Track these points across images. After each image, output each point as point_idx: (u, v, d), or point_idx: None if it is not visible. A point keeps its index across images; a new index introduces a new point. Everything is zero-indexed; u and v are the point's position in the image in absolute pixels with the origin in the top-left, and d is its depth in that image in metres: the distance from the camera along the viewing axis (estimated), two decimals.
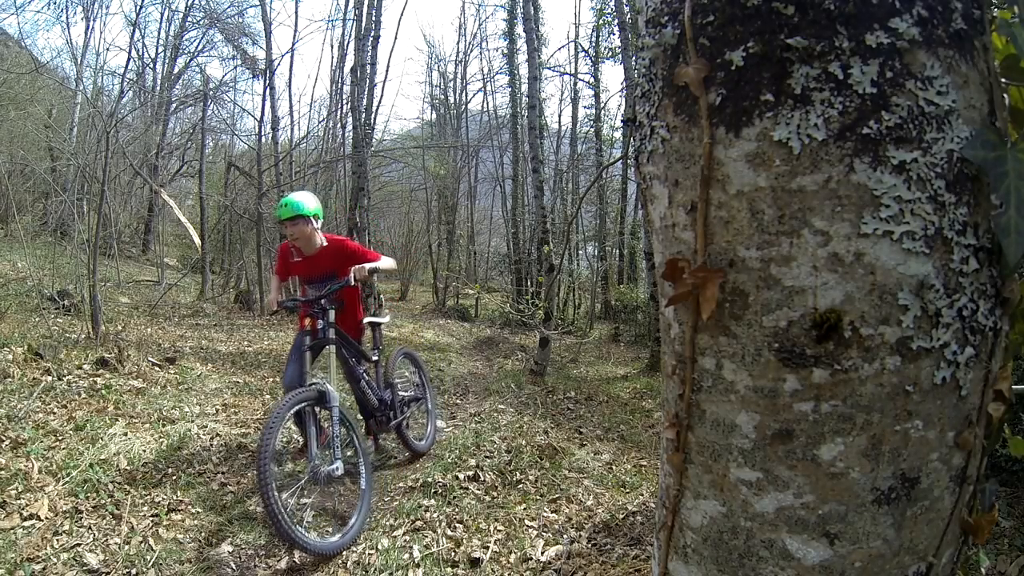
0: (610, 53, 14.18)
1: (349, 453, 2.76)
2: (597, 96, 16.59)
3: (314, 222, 3.16)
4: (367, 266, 3.01)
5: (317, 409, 2.68)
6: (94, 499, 2.57)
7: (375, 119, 9.67)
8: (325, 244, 3.25)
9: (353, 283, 2.92)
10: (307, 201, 3.14)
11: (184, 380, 4.63)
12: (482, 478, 3.16)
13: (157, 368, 4.75)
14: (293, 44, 22.58)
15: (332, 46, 23.37)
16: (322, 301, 2.92)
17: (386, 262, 3.27)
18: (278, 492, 2.21)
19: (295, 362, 3.01)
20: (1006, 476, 2.72)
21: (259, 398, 4.57)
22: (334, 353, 2.89)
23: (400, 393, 3.49)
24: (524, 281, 14.03)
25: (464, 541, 2.53)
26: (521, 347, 8.85)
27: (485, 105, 19.41)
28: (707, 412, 0.70)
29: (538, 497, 3.02)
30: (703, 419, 0.71)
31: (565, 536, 2.62)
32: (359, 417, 3.38)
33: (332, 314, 2.93)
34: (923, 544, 0.67)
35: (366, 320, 3.51)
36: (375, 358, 3.41)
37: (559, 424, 4.63)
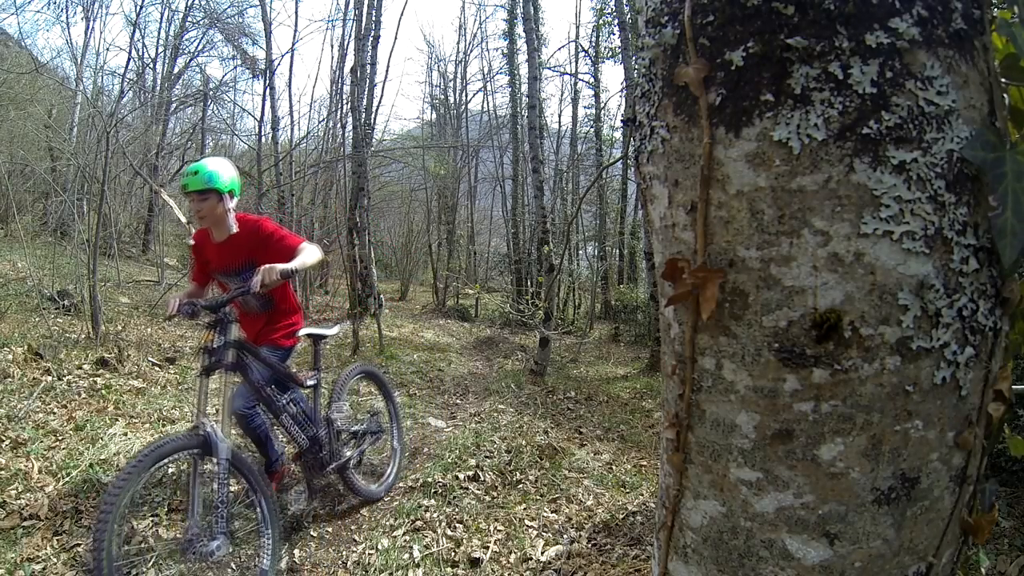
0: (610, 53, 14.19)
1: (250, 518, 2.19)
2: (597, 96, 16.59)
3: (228, 200, 2.48)
4: (278, 268, 2.14)
5: (201, 461, 2.02)
6: (94, 499, 2.57)
7: (375, 119, 9.67)
8: (236, 230, 2.55)
9: (257, 290, 2.10)
10: (222, 171, 2.46)
11: (184, 380, 4.63)
12: (482, 478, 3.16)
13: (157, 368, 4.75)
14: (293, 44, 22.58)
15: (332, 46, 23.39)
16: (224, 309, 2.18)
17: (308, 256, 2.39)
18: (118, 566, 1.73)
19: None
20: (1006, 476, 2.72)
21: None
22: (228, 382, 2.17)
23: (346, 426, 2.83)
24: (524, 281, 14.03)
25: (464, 541, 2.53)
26: (521, 347, 8.85)
27: (485, 105, 19.42)
28: (707, 412, 0.70)
29: (538, 497, 3.02)
30: (703, 419, 0.71)
31: (565, 536, 2.62)
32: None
33: (234, 329, 2.21)
34: (923, 544, 0.67)
35: (304, 331, 2.75)
36: (312, 382, 2.68)
37: (559, 424, 4.63)
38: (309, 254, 2.40)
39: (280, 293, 2.72)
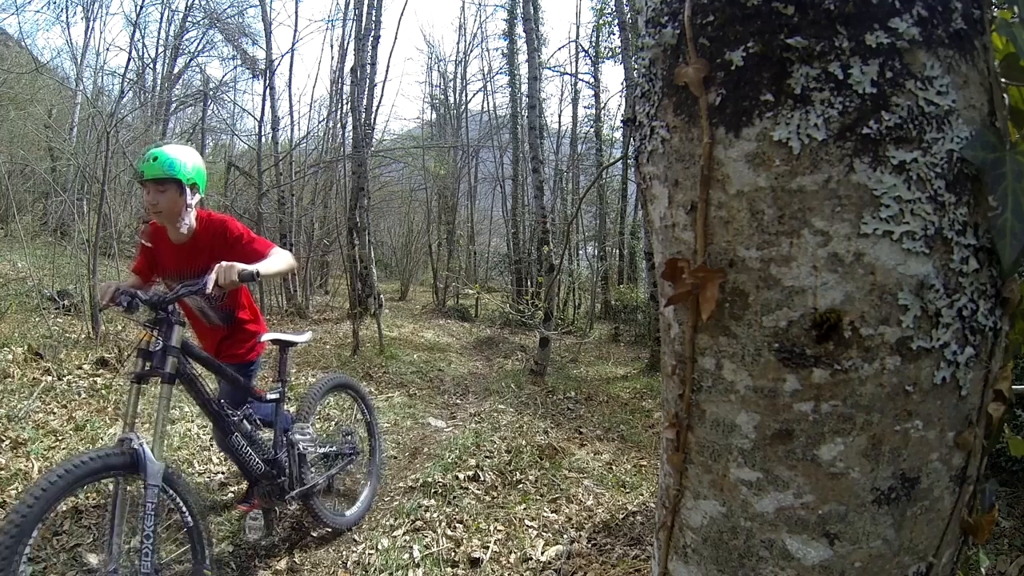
0: (610, 53, 14.20)
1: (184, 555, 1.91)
2: (597, 96, 16.60)
3: (190, 193, 2.12)
4: (238, 268, 1.83)
5: (126, 483, 1.69)
6: (94, 499, 2.57)
7: (375, 119, 9.67)
8: (196, 229, 2.20)
9: (209, 289, 1.81)
10: (186, 158, 2.11)
11: None
12: (482, 478, 3.16)
13: None
14: (293, 44, 22.58)
15: (332, 46, 23.37)
16: (167, 308, 1.85)
17: (276, 261, 2.07)
18: None
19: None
20: (1006, 476, 2.72)
21: None
22: (164, 394, 1.82)
23: (312, 448, 2.44)
24: (524, 281, 14.04)
25: (464, 541, 2.53)
26: (521, 347, 8.85)
27: (485, 105, 19.42)
28: (707, 412, 0.70)
29: (538, 497, 3.02)
30: (703, 419, 0.71)
31: (565, 536, 2.62)
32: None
33: (177, 332, 1.85)
34: (923, 544, 0.67)
35: (267, 336, 2.42)
36: (273, 396, 2.34)
37: (559, 424, 4.63)
38: (277, 259, 2.08)
39: (239, 302, 2.42)
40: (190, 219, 2.19)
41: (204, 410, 2.07)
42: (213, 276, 1.82)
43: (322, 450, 2.58)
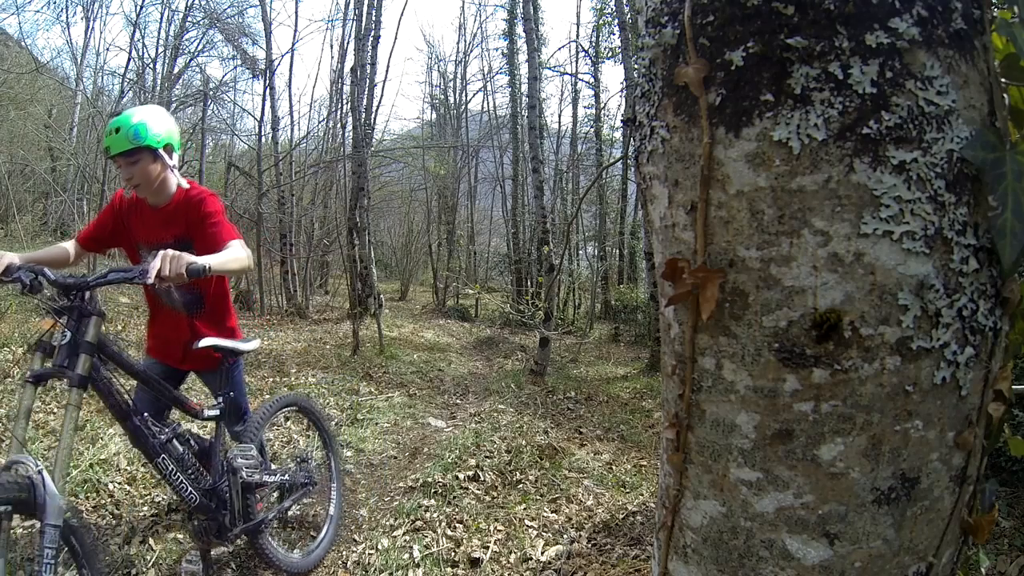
0: (610, 53, 14.21)
1: None
2: (597, 96, 16.61)
3: (166, 156, 1.92)
4: (187, 258, 1.50)
5: (10, 522, 1.28)
6: (94, 499, 2.57)
7: (375, 119, 9.68)
8: (174, 192, 1.98)
9: (150, 280, 1.46)
10: (153, 121, 1.88)
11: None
12: (482, 478, 3.16)
13: None
14: (293, 44, 22.58)
15: (332, 46, 23.38)
16: (82, 294, 1.51)
17: (232, 257, 1.77)
18: None
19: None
20: (1006, 476, 2.72)
21: (258, 398, 4.56)
22: (72, 402, 1.46)
23: (257, 475, 2.07)
24: (524, 281, 14.04)
25: (464, 541, 2.53)
26: (521, 347, 8.85)
27: (485, 105, 19.42)
28: (707, 412, 0.70)
29: (538, 497, 3.02)
30: (703, 419, 0.71)
31: (565, 536, 2.62)
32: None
33: (94, 325, 1.50)
34: (923, 544, 0.67)
35: (207, 342, 1.97)
36: (212, 413, 1.98)
37: (559, 424, 4.63)
38: (233, 254, 1.78)
39: (213, 291, 2.12)
40: (172, 183, 1.98)
41: (122, 425, 1.66)
42: (156, 264, 1.47)
43: (272, 479, 2.21)
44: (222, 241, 1.86)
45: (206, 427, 2.34)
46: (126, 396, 1.65)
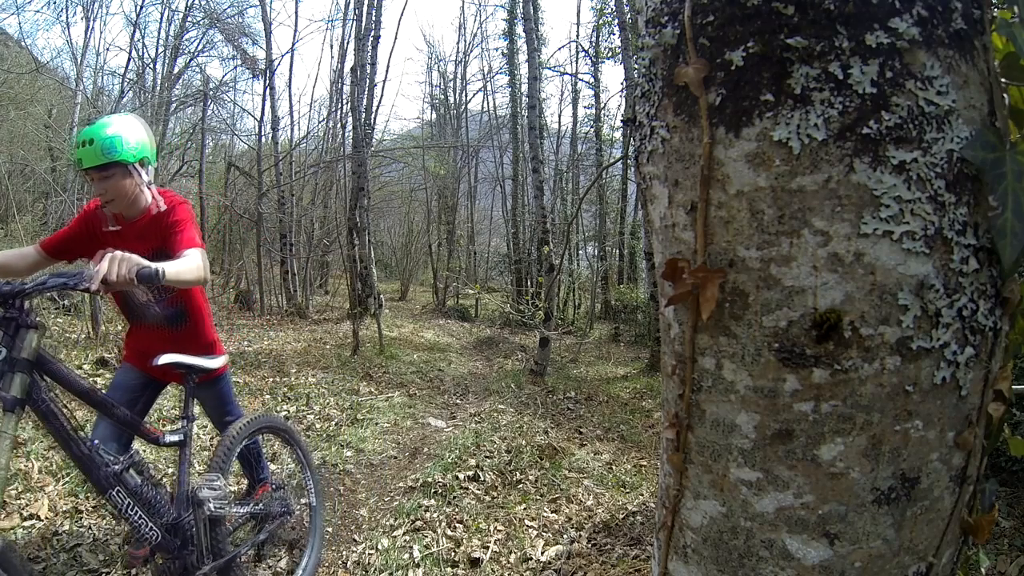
0: (610, 53, 14.20)
1: None
2: (597, 96, 16.61)
3: (139, 172, 1.81)
4: (137, 262, 1.35)
5: None
6: (94, 499, 2.57)
7: (375, 119, 9.68)
8: (149, 204, 1.88)
9: (94, 287, 1.29)
10: (127, 132, 1.76)
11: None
12: (482, 478, 3.16)
13: None
14: (293, 44, 22.59)
15: (332, 46, 23.38)
16: (23, 303, 1.35)
17: (187, 265, 1.61)
18: None
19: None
20: (1006, 476, 2.72)
21: (259, 398, 4.56)
22: (5, 429, 1.28)
23: (227, 507, 1.86)
24: (524, 281, 14.05)
25: (464, 541, 2.53)
26: (521, 347, 8.86)
27: (485, 105, 19.43)
28: (707, 412, 0.70)
29: (538, 497, 3.02)
30: (703, 419, 0.71)
31: (565, 536, 2.62)
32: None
33: (31, 339, 1.35)
34: (923, 544, 0.67)
35: (168, 359, 1.80)
36: (174, 439, 1.79)
37: (559, 424, 4.63)
38: (189, 263, 1.63)
39: (192, 303, 2.00)
40: (146, 197, 1.87)
41: (67, 453, 1.46)
42: (102, 268, 1.30)
43: (243, 510, 2.03)
44: (180, 247, 1.73)
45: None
46: (72, 421, 1.47)
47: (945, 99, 0.60)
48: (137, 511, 1.57)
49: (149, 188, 1.88)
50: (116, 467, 1.54)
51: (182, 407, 1.89)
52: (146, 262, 1.39)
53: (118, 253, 1.34)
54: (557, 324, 8.87)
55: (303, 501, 2.38)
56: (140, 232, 1.87)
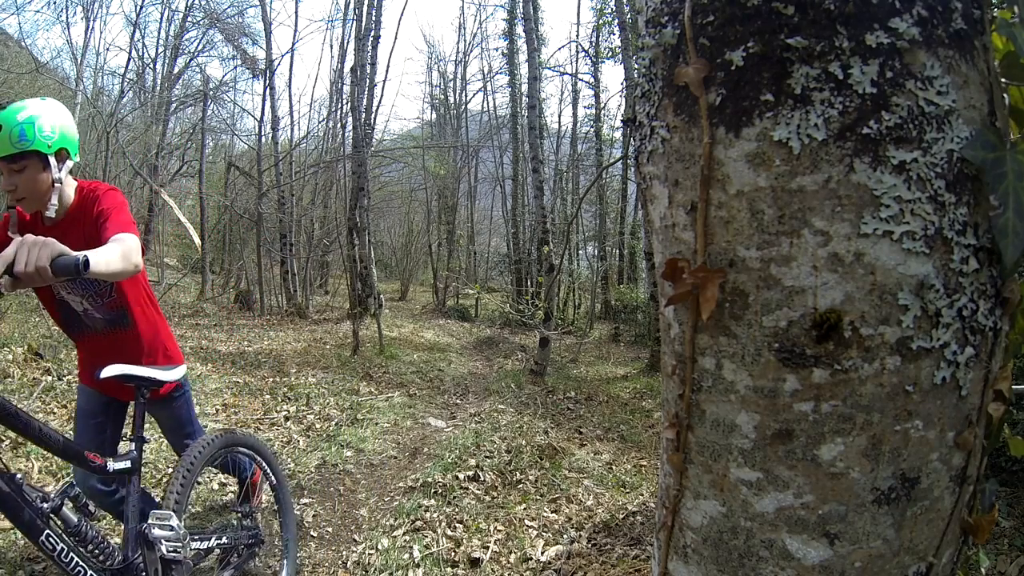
0: (610, 53, 14.20)
1: None
2: (597, 96, 16.60)
3: (56, 164, 1.58)
4: (58, 249, 1.14)
5: None
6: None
7: (375, 119, 9.68)
8: (72, 200, 1.67)
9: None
10: (45, 118, 1.56)
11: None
12: (482, 478, 3.16)
13: None
14: (293, 44, 22.58)
15: (332, 46, 23.39)
16: None
17: (114, 253, 1.35)
18: None
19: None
20: (1006, 476, 2.72)
21: (259, 398, 4.56)
22: None
23: (182, 548, 1.55)
24: (524, 281, 14.05)
25: (464, 541, 2.53)
26: (521, 347, 8.85)
27: (485, 105, 19.44)
28: (707, 412, 0.70)
29: (538, 497, 3.02)
30: (703, 419, 0.71)
31: (565, 536, 2.62)
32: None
33: None
34: (923, 544, 0.67)
35: (114, 371, 1.58)
36: (122, 465, 1.54)
37: (559, 424, 4.63)
38: (116, 250, 1.36)
39: (135, 299, 1.76)
40: (65, 195, 1.64)
41: None
42: (7, 255, 1.09)
43: (203, 544, 1.76)
44: (109, 232, 1.48)
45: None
46: None
47: (945, 99, 0.60)
48: (73, 558, 1.31)
49: (62, 186, 1.61)
50: (45, 506, 1.29)
51: (133, 425, 1.62)
52: (66, 249, 1.16)
53: (30, 237, 1.11)
54: (557, 324, 8.87)
55: (276, 523, 2.13)
56: (64, 233, 1.59)
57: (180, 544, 1.56)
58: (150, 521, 1.53)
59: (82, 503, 1.44)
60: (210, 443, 1.78)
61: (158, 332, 1.87)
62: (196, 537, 1.71)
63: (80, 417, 1.83)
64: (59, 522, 1.34)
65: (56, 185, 1.59)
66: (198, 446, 1.76)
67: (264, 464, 2.08)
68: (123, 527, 1.55)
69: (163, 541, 1.51)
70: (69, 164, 1.63)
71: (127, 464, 1.55)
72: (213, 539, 1.81)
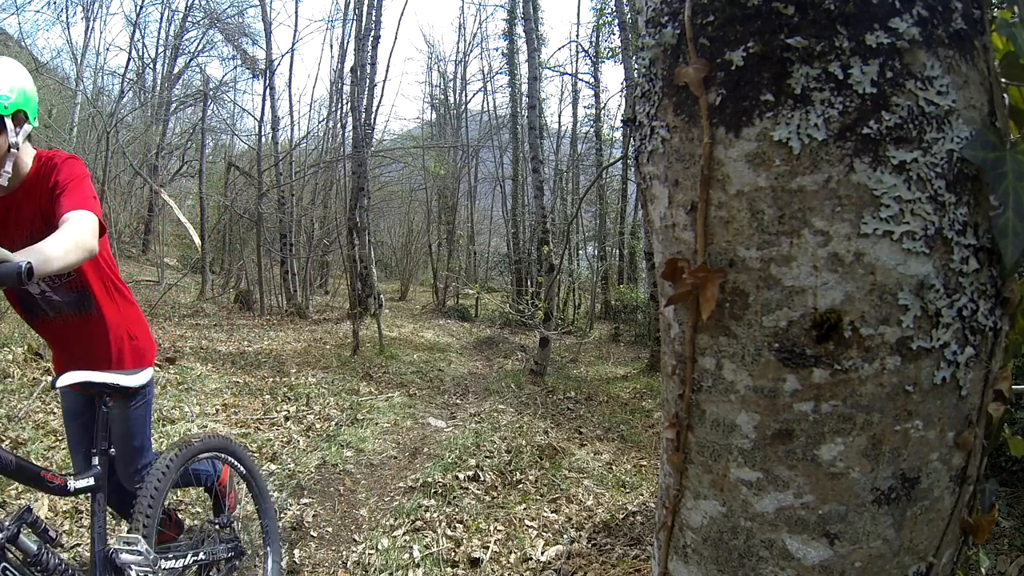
0: (610, 53, 14.20)
1: None
2: (597, 96, 16.60)
3: (12, 128, 1.39)
4: None
5: None
6: None
7: (375, 119, 9.68)
8: (29, 169, 1.48)
9: None
10: (1, 76, 1.37)
11: (184, 380, 4.63)
12: (482, 478, 3.16)
13: (157, 368, 4.75)
14: (293, 44, 22.59)
15: (332, 46, 23.39)
16: None
17: (62, 244, 1.20)
18: None
19: None
20: (1006, 476, 2.72)
21: (259, 398, 4.56)
22: None
23: (149, 569, 1.46)
24: (524, 281, 14.05)
25: (464, 541, 2.53)
26: (521, 347, 8.85)
27: (485, 105, 19.45)
28: (707, 412, 0.70)
29: (538, 497, 3.02)
30: (703, 419, 0.71)
31: (565, 536, 2.62)
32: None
33: None
34: (923, 544, 0.67)
35: (73, 378, 1.45)
36: (81, 483, 1.44)
37: (559, 424, 4.63)
38: (62, 241, 1.21)
39: (95, 278, 1.58)
40: (22, 162, 1.46)
41: None
42: None
43: (177, 564, 1.62)
44: (62, 210, 1.33)
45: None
46: None
47: (945, 99, 0.60)
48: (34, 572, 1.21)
49: (21, 152, 1.44)
50: (1, 535, 1.19)
51: (93, 439, 1.49)
52: (7, 254, 1.05)
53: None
54: (557, 324, 8.87)
55: (258, 535, 1.99)
56: (17, 204, 1.47)
57: (150, 569, 1.46)
58: (117, 546, 1.43)
59: (41, 528, 1.31)
60: (185, 447, 1.70)
61: (126, 317, 1.68)
62: (170, 556, 1.60)
63: (67, 419, 1.73)
64: (17, 552, 1.22)
65: (12, 151, 1.40)
66: (163, 462, 1.62)
67: (228, 458, 1.91)
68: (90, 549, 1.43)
69: (132, 567, 1.42)
70: (27, 128, 1.44)
71: (90, 482, 1.43)
72: (189, 556, 1.68)
